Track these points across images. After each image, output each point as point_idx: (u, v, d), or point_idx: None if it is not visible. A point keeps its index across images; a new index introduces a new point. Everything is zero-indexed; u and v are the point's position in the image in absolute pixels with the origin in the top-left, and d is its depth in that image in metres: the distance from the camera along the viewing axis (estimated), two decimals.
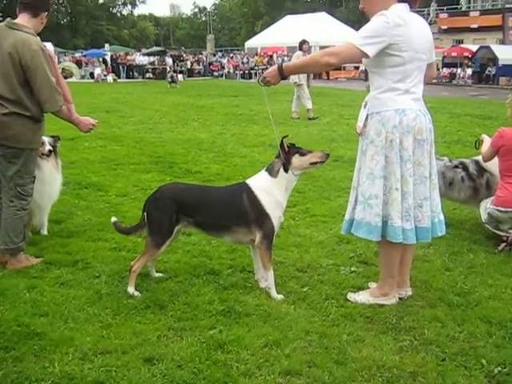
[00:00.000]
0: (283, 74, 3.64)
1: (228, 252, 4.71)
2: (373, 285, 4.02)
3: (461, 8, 45.21)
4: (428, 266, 4.50)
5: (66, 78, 28.77)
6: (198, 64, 41.70)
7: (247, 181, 3.98)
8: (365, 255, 4.69)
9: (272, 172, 3.89)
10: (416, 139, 3.50)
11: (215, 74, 40.45)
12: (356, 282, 4.15)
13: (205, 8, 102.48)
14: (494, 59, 32.69)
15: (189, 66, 39.99)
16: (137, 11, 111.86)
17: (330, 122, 13.63)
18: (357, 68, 37.88)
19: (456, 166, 5.56)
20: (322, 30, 39.06)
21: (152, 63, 38.80)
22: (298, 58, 13.12)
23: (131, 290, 3.85)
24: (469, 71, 34.23)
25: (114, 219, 4.16)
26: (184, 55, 43.12)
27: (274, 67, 3.67)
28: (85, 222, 5.50)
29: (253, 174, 4.11)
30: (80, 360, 3.03)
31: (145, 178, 7.46)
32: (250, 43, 49.83)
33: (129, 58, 39.07)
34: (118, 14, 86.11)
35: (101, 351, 3.12)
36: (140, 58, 39.40)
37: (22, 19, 4.20)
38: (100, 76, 33.53)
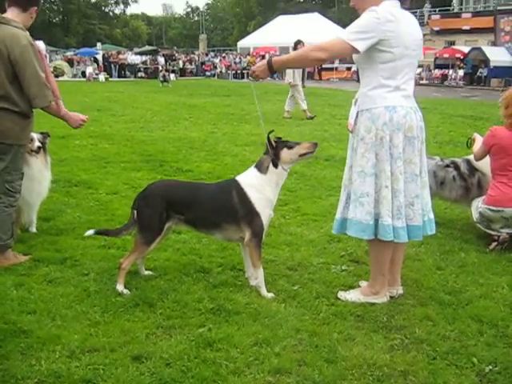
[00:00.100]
0: (272, 69, 3.62)
1: (218, 250, 4.69)
2: (363, 283, 4.00)
3: (453, 10, 45.35)
4: (419, 265, 4.49)
5: (57, 76, 28.73)
6: (191, 63, 41.72)
7: (237, 177, 3.94)
8: (356, 254, 4.68)
9: (261, 168, 3.85)
10: (406, 136, 3.48)
11: (207, 73, 40.52)
12: (347, 281, 4.13)
13: (197, 8, 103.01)
14: (485, 61, 32.91)
15: (181, 66, 39.99)
16: (129, 10, 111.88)
17: (322, 122, 13.65)
18: (349, 69, 37.97)
19: (447, 166, 5.57)
20: (315, 31, 38.95)
21: (144, 62, 38.77)
22: None
23: (120, 287, 3.81)
24: (460, 72, 34.44)
25: (89, 232, 4.09)
26: (176, 55, 43.14)
27: (264, 61, 3.64)
28: (74, 220, 5.46)
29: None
30: (67, 358, 2.99)
31: (135, 176, 7.42)
32: (243, 43, 49.86)
33: (121, 56, 39.03)
34: (111, 13, 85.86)
35: (88, 349, 3.08)
36: (132, 57, 39.38)
37: (11, 13, 4.15)
38: (92, 75, 33.49)
